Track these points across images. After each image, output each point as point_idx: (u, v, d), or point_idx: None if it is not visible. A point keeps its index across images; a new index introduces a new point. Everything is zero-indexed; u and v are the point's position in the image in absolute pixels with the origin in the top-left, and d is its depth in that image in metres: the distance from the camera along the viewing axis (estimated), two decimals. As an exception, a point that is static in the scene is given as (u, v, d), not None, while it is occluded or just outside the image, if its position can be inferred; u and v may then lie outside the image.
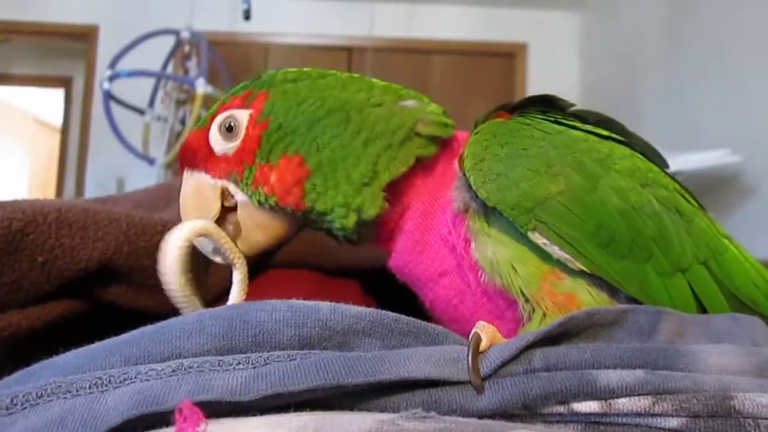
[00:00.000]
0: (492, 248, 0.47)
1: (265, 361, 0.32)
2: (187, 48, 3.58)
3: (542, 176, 0.45)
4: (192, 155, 0.51)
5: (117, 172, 4.03)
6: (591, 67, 4.09)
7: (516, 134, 0.48)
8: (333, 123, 0.48)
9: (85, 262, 0.50)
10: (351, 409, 0.32)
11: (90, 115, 4.19)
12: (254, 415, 0.29)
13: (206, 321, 0.35)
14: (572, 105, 0.54)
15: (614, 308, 0.40)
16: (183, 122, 3.53)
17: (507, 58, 4.33)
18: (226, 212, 0.51)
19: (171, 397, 0.29)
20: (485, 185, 0.46)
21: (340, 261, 0.67)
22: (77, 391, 0.30)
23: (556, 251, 0.45)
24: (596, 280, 0.46)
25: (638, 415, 0.33)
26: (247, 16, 3.50)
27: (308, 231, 0.54)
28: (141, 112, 3.56)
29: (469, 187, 0.47)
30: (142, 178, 3.33)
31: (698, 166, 2.28)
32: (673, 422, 0.33)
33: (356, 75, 0.53)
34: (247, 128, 0.49)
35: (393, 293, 0.55)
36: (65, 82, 5.72)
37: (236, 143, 0.49)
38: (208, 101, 3.20)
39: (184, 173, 0.52)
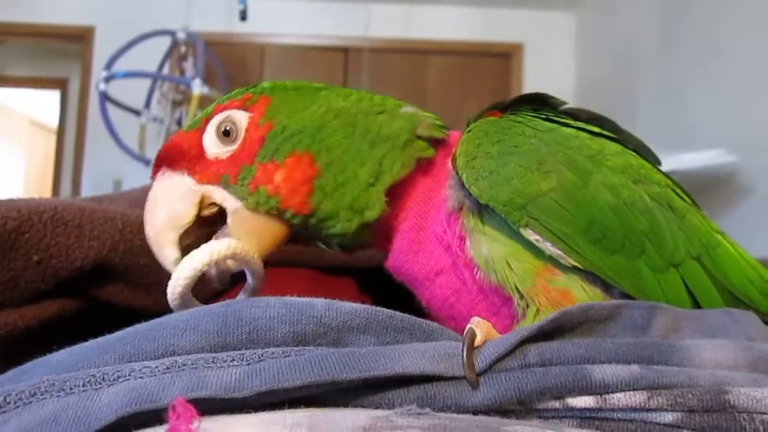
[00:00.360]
0: (487, 245, 0.47)
1: (259, 357, 0.32)
2: (183, 49, 3.57)
3: (534, 173, 0.46)
4: (178, 156, 0.49)
5: (113, 174, 4.02)
6: (587, 67, 4.09)
7: (507, 132, 0.48)
8: (341, 125, 0.49)
9: (80, 260, 0.50)
10: (345, 406, 0.32)
11: (86, 117, 4.18)
12: (248, 412, 0.29)
13: (200, 318, 0.35)
14: (564, 103, 0.54)
15: (608, 304, 0.40)
16: (179, 123, 3.52)
17: (503, 58, 4.33)
18: (199, 222, 0.48)
19: (165, 394, 0.29)
20: (477, 183, 0.46)
21: (337, 259, 0.67)
22: (71, 389, 0.30)
23: (549, 247, 0.45)
24: (590, 275, 0.46)
25: (633, 410, 0.33)
26: (243, 16, 3.50)
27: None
28: (137, 113, 3.55)
29: (463, 185, 0.47)
30: (139, 179, 3.32)
31: (694, 165, 2.28)
32: (668, 417, 0.33)
33: (354, 90, 0.54)
34: (248, 130, 0.49)
35: (389, 291, 0.55)
36: (61, 84, 5.71)
37: (234, 147, 0.48)
38: (204, 102, 3.20)
39: (160, 175, 0.49)
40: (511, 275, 0.46)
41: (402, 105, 0.53)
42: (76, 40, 4.33)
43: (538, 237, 0.45)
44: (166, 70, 3.75)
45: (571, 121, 0.51)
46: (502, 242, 0.47)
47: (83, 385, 0.30)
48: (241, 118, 0.49)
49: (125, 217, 0.54)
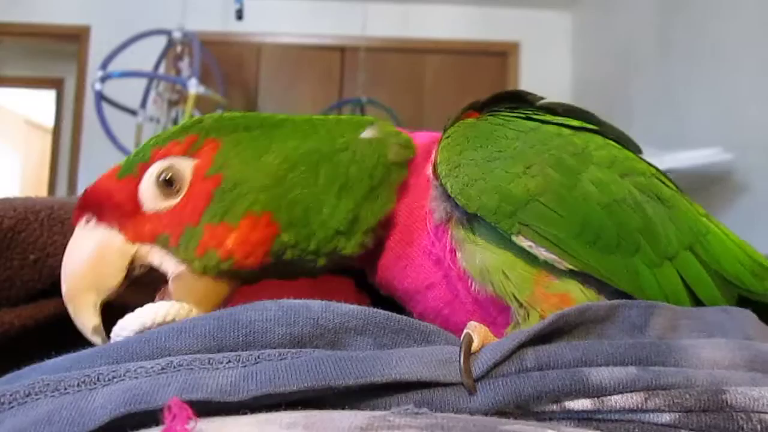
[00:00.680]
0: (480, 256, 0.45)
1: (255, 359, 0.32)
2: (179, 48, 3.56)
3: (521, 178, 0.44)
4: (109, 207, 0.43)
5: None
6: (584, 66, 4.10)
7: (490, 136, 0.47)
8: (302, 177, 0.45)
9: None
10: (342, 408, 0.32)
11: (82, 117, 4.17)
12: (245, 412, 0.29)
13: (196, 321, 0.35)
14: (541, 98, 0.53)
15: (606, 304, 0.40)
16: (175, 123, 3.51)
17: (500, 57, 4.33)
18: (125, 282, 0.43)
19: (160, 395, 0.29)
20: (464, 192, 0.44)
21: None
22: (65, 389, 0.30)
23: (543, 253, 0.44)
24: (587, 277, 0.45)
25: (631, 411, 0.33)
26: (239, 15, 3.49)
27: None
28: (133, 113, 3.54)
29: (448, 195, 0.46)
30: (135, 179, 3.31)
31: (690, 164, 2.29)
32: (666, 417, 0.33)
33: (309, 118, 0.50)
34: (193, 183, 0.43)
35: None
36: (57, 83, 5.69)
37: (176, 200, 0.43)
38: (200, 101, 3.19)
39: (84, 223, 0.43)
40: (509, 285, 0.45)
41: (361, 126, 0.49)
42: (71, 40, 4.31)
43: (531, 243, 0.44)
44: (162, 70, 3.74)
45: (550, 117, 0.50)
46: (495, 252, 0.45)
47: (78, 385, 0.30)
48: (185, 168, 0.44)
49: None
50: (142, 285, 0.48)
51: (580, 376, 0.33)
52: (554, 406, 0.33)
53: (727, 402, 0.33)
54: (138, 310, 0.40)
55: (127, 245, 0.43)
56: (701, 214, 0.52)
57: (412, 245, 0.48)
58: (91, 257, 0.42)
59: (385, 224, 0.48)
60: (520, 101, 0.52)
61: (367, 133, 0.49)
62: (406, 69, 4.28)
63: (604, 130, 0.52)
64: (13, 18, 4.21)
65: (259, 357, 0.32)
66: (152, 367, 0.31)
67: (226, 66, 3.92)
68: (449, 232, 0.47)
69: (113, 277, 0.42)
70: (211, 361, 0.32)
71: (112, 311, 0.42)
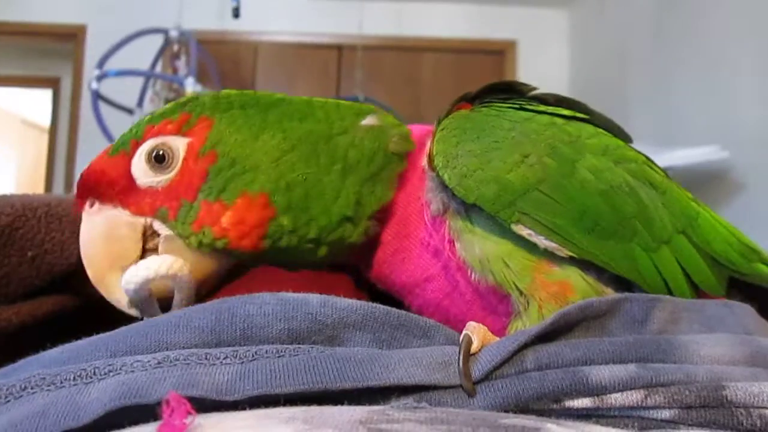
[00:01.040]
0: (479, 246, 0.46)
1: (252, 356, 0.32)
2: (175, 47, 3.56)
3: (519, 167, 0.44)
4: (106, 187, 0.43)
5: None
6: (580, 64, 4.10)
7: (485, 126, 0.47)
8: (301, 157, 0.44)
9: (75, 256, 0.49)
10: (341, 404, 0.32)
11: (78, 116, 4.16)
12: (243, 407, 0.29)
13: (194, 315, 0.35)
14: (533, 88, 0.53)
15: (607, 299, 0.40)
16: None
17: (497, 55, 4.34)
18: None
19: (155, 389, 0.29)
20: (462, 182, 0.44)
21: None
22: (61, 383, 0.30)
23: (542, 241, 0.44)
24: (586, 264, 0.46)
25: (631, 408, 0.33)
26: (236, 14, 3.49)
27: None
28: (130, 111, 3.53)
29: (444, 186, 0.46)
30: (132, 178, 3.30)
31: (687, 162, 2.29)
32: (666, 413, 0.33)
33: (307, 99, 0.49)
34: (186, 160, 0.44)
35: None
36: (53, 83, 5.68)
37: (169, 176, 0.43)
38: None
39: (87, 208, 0.44)
40: (509, 273, 0.45)
41: (361, 113, 0.49)
42: (67, 39, 4.31)
43: (530, 232, 0.44)
44: (158, 69, 3.73)
45: (542, 107, 0.50)
46: (494, 241, 0.45)
47: (74, 379, 0.30)
48: (179, 146, 0.44)
49: None
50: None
51: (580, 376, 0.33)
52: (554, 405, 0.33)
53: (727, 398, 0.32)
54: (141, 262, 0.42)
55: (134, 218, 0.44)
56: (690, 198, 0.53)
57: (409, 238, 0.48)
58: (105, 238, 0.43)
59: (381, 217, 0.48)
60: (511, 92, 0.52)
61: (368, 121, 0.49)
62: (404, 67, 4.29)
63: (594, 119, 0.52)
64: (8, 17, 4.20)
65: (256, 353, 0.32)
66: (149, 361, 0.31)
67: (222, 64, 3.92)
68: (447, 223, 0.47)
69: (131, 251, 0.43)
70: (208, 356, 0.32)
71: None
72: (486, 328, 0.37)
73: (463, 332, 0.36)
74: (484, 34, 4.32)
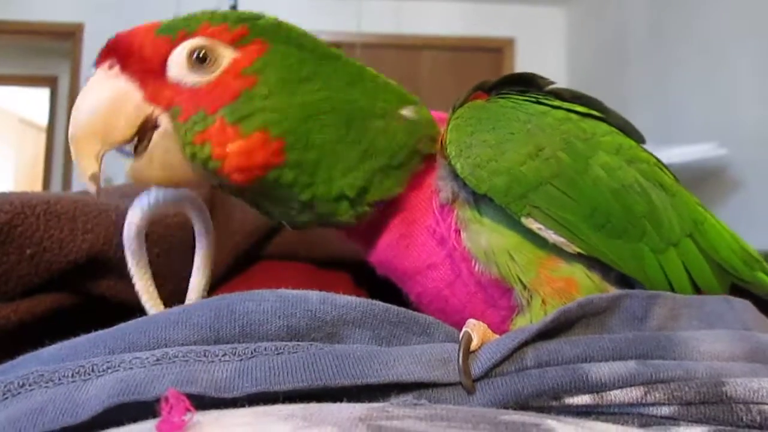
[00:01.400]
0: (485, 237, 0.45)
1: (251, 353, 0.32)
2: (173, 45, 3.55)
3: (534, 160, 0.44)
4: (135, 58, 0.42)
5: (104, 172, 3.99)
6: (578, 62, 4.11)
7: (501, 118, 0.46)
8: (333, 123, 0.43)
9: (74, 254, 0.49)
10: (341, 401, 0.32)
11: (76, 114, 4.15)
12: (242, 404, 0.29)
13: (192, 311, 0.35)
14: (551, 82, 0.53)
15: (607, 296, 0.40)
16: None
17: (495, 53, 4.34)
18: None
19: (154, 386, 0.29)
20: (474, 172, 0.44)
21: (332, 252, 0.66)
22: (59, 380, 0.30)
23: (552, 236, 0.44)
24: (592, 261, 0.45)
25: (631, 405, 0.33)
26: (233, 12, 3.48)
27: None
28: (128, 110, 3.53)
29: (455, 175, 0.45)
30: (130, 176, 3.30)
31: (685, 159, 2.30)
32: (665, 410, 0.33)
33: (361, 66, 0.48)
34: (226, 72, 0.42)
35: (385, 284, 0.55)
36: (50, 81, 5.67)
37: (202, 80, 0.42)
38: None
39: (107, 68, 0.42)
40: (514, 267, 0.45)
41: (403, 101, 0.48)
42: (65, 38, 4.30)
43: (540, 226, 0.43)
44: (156, 67, 3.73)
45: (558, 103, 0.50)
46: (501, 233, 0.45)
47: (72, 376, 0.30)
48: (225, 56, 0.42)
49: (119, 209, 0.53)
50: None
51: (580, 373, 0.33)
52: (554, 402, 0.33)
53: (726, 394, 0.32)
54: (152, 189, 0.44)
55: (144, 104, 0.42)
56: (697, 203, 0.53)
57: (415, 224, 0.48)
58: (107, 106, 0.41)
59: (388, 205, 0.48)
60: (528, 84, 0.52)
61: (407, 112, 0.47)
62: (402, 65, 4.29)
63: (609, 117, 0.52)
64: (6, 16, 4.19)
65: (255, 350, 0.32)
66: (147, 358, 0.31)
67: (220, 63, 3.91)
68: (455, 212, 0.46)
69: (123, 132, 0.42)
70: (206, 353, 0.31)
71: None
72: (486, 325, 0.37)
73: (463, 329, 0.36)
74: (482, 32, 4.32)
